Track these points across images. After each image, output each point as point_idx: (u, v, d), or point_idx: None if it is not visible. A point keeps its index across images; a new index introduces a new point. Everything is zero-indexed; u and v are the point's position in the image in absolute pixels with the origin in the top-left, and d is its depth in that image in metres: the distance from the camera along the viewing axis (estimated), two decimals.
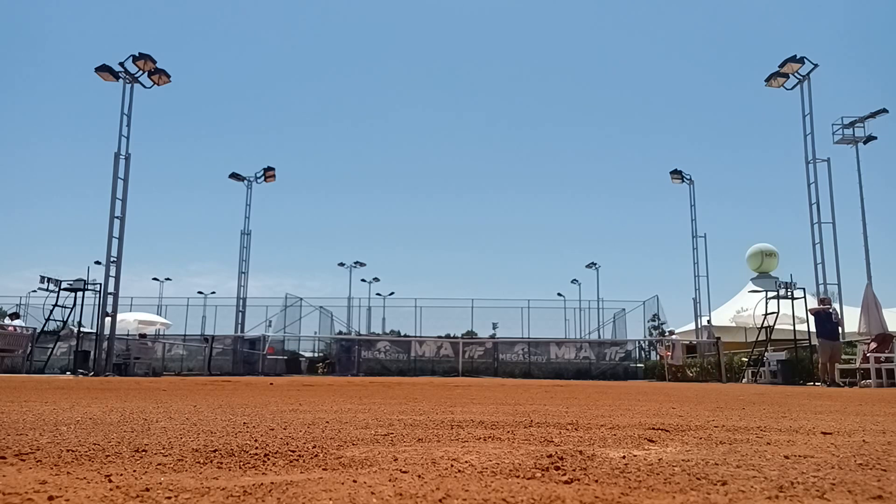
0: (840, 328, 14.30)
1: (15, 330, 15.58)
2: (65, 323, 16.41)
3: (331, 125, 68.45)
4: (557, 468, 1.59)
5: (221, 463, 1.66)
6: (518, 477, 1.46)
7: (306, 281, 72.60)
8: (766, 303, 17.15)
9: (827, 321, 13.64)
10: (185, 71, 57.57)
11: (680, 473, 1.52)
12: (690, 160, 76.33)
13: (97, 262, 17.31)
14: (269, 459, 1.73)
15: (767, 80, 18.41)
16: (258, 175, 26.17)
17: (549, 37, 67.42)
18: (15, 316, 18.84)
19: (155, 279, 41.30)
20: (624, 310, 28.99)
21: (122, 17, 59.48)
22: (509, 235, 67.74)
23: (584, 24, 67.89)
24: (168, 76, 17.10)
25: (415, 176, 71.36)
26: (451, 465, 1.63)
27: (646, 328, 28.72)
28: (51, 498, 1.19)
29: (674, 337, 23.64)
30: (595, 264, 37.03)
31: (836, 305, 16.25)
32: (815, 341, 16.28)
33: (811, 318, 14.33)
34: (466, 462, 1.69)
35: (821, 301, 14.48)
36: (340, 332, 29.33)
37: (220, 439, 2.18)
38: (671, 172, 25.68)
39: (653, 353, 25.40)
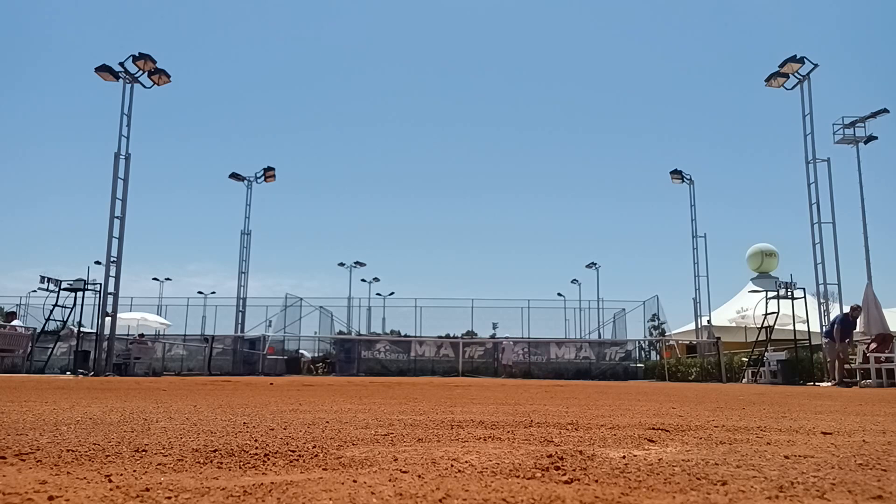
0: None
1: (15, 330, 15.57)
2: (65, 323, 16.40)
3: (331, 125, 68.57)
4: (557, 468, 1.59)
5: (221, 463, 1.66)
6: (518, 477, 1.46)
7: (306, 281, 72.66)
8: (766, 303, 17.17)
9: (849, 326, 13.50)
10: (185, 71, 57.72)
11: (680, 473, 1.52)
12: (690, 160, 76.48)
13: (97, 262, 17.33)
14: (269, 459, 1.73)
15: (767, 80, 18.40)
16: (258, 175, 26.18)
17: (550, 38, 67.47)
18: (12, 316, 18.78)
19: (155, 279, 41.41)
20: (624, 310, 29.04)
21: (122, 17, 59.54)
22: (509, 235, 67.82)
23: (584, 25, 67.95)
24: (168, 76, 17.09)
25: (415, 176, 71.49)
26: (451, 465, 1.63)
27: (646, 328, 28.74)
28: (51, 498, 1.19)
29: (507, 339, 23.76)
30: (595, 264, 37.05)
31: (836, 309, 16.20)
32: (815, 341, 16.29)
33: (832, 317, 14.07)
34: (466, 462, 1.69)
35: (853, 308, 14.12)
36: (340, 332, 29.33)
37: (220, 439, 2.18)
38: (671, 172, 25.69)
39: (653, 353, 25.42)
